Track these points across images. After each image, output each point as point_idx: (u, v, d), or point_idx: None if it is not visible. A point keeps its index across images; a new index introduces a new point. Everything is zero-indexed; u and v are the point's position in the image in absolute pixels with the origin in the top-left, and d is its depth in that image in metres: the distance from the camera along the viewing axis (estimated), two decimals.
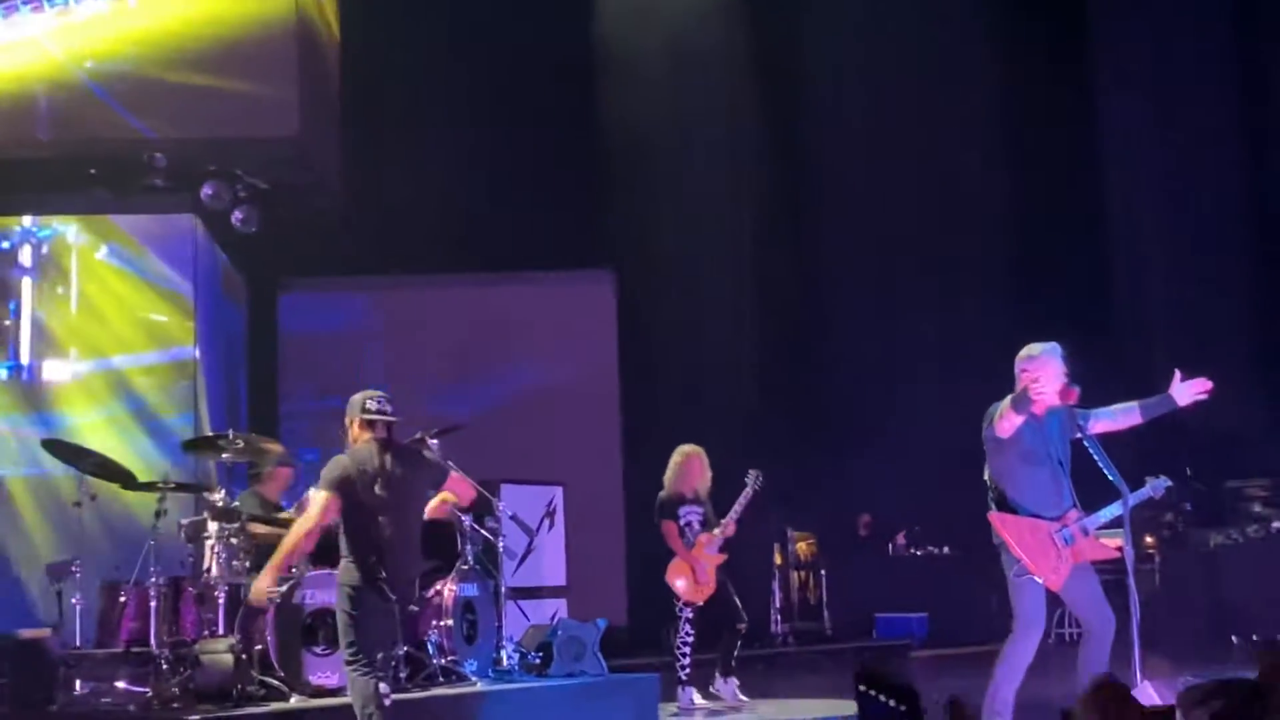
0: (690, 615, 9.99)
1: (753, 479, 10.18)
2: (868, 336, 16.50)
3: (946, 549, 16.39)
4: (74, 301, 13.03)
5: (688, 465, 10.23)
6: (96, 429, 12.45)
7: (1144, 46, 16.40)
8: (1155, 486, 7.42)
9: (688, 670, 10.04)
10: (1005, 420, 7.19)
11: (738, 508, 10.22)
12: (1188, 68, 16.17)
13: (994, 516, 7.32)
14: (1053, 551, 7.16)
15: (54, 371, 12.92)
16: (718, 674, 10.18)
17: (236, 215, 13.39)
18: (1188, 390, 7.42)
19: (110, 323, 12.88)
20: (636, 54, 15.53)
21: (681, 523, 10.13)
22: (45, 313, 13.00)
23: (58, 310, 13.03)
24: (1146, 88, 16.38)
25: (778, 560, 17.43)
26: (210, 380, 13.24)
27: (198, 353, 12.92)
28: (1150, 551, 14.23)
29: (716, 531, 10.09)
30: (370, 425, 7.07)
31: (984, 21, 15.80)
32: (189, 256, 13.10)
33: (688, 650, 10.02)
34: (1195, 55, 16.14)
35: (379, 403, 7.10)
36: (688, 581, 9.95)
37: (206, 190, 13.04)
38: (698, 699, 10.09)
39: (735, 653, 10.18)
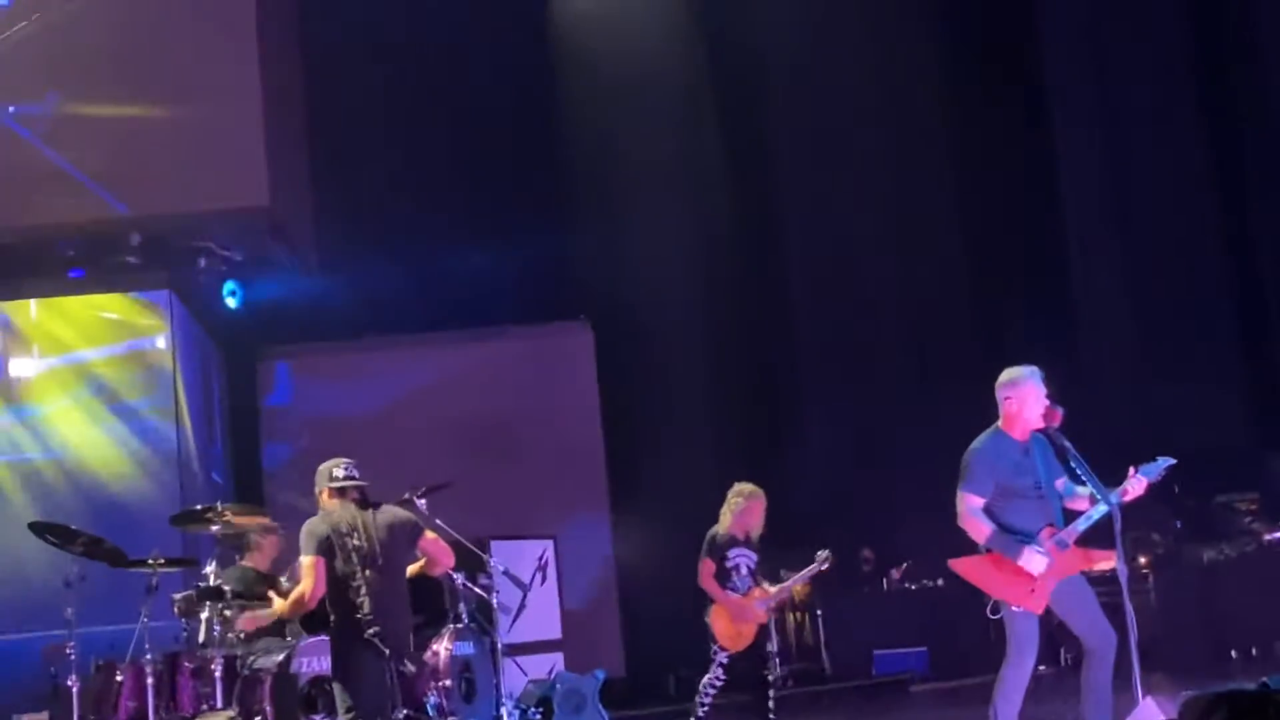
0: (725, 661, 9.69)
1: (820, 560, 9.93)
2: (844, 373, 16.53)
3: (941, 581, 16.35)
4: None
5: (749, 507, 9.87)
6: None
7: (1092, 62, 16.56)
8: (1150, 470, 7.34)
9: (706, 709, 9.81)
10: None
11: (802, 576, 10.07)
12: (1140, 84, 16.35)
13: (954, 564, 7.34)
14: (1025, 577, 7.16)
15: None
16: None
17: (230, 289, 13.49)
18: (1136, 487, 7.34)
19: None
20: (598, 102, 15.65)
21: (729, 564, 9.83)
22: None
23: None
24: (1098, 103, 16.54)
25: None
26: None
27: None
28: (1145, 571, 14.24)
29: (773, 590, 9.84)
30: (341, 493, 7.10)
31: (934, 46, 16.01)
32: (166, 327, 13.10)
33: (712, 694, 9.73)
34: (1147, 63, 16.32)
35: (346, 469, 7.16)
36: (728, 627, 9.67)
37: (201, 262, 13.11)
38: None
39: (770, 704, 9.84)
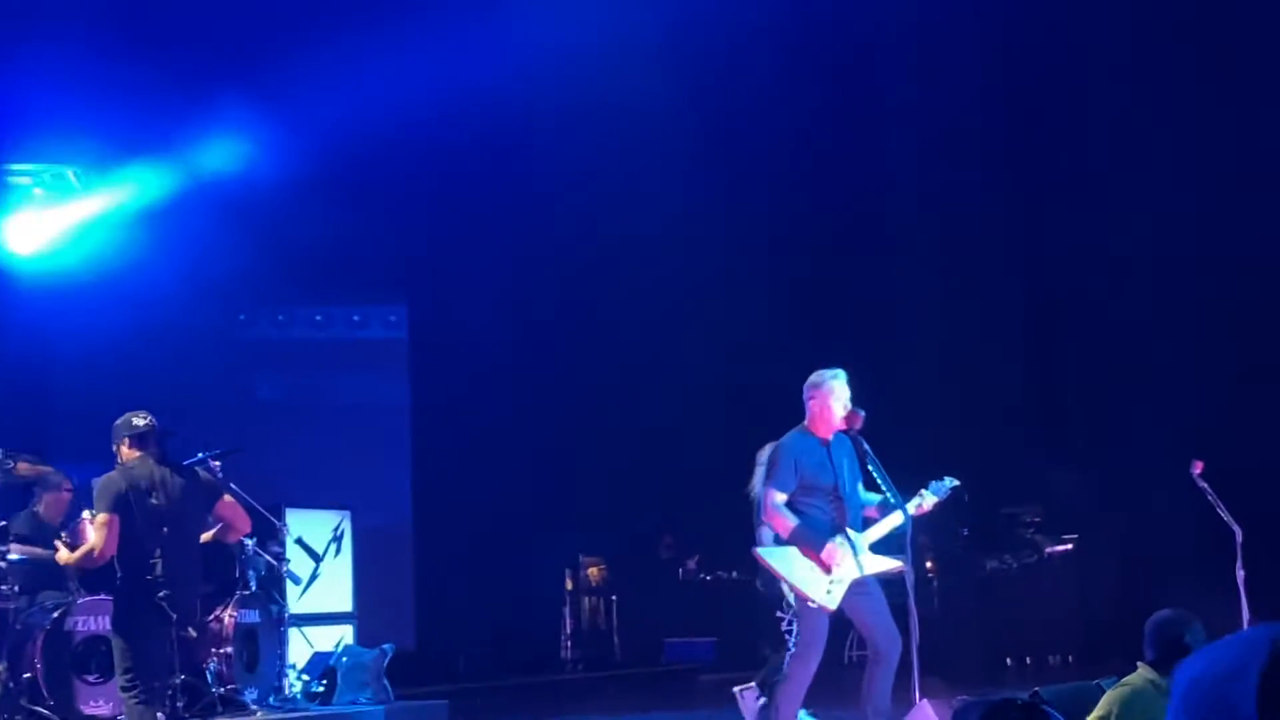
0: None
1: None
2: (660, 361, 16.58)
3: (735, 573, 16.57)
4: None
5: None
6: None
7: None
8: (938, 489, 7.60)
9: None
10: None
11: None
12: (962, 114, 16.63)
13: (758, 553, 7.48)
14: (824, 574, 7.30)
15: None
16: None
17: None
18: (926, 504, 7.56)
19: None
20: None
21: None
22: None
23: None
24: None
25: (569, 586, 17.44)
26: None
27: None
28: (930, 575, 14.64)
29: None
30: (141, 440, 6.87)
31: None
32: None
33: None
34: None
35: (148, 417, 6.93)
36: None
37: None
38: None
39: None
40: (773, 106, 16.07)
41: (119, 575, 6.78)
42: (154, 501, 6.74)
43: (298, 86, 12.83)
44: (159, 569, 6.68)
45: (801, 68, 15.96)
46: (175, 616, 6.73)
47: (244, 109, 12.87)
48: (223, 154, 12.89)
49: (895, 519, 7.47)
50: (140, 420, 6.92)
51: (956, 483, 7.67)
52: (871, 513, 7.59)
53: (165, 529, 6.73)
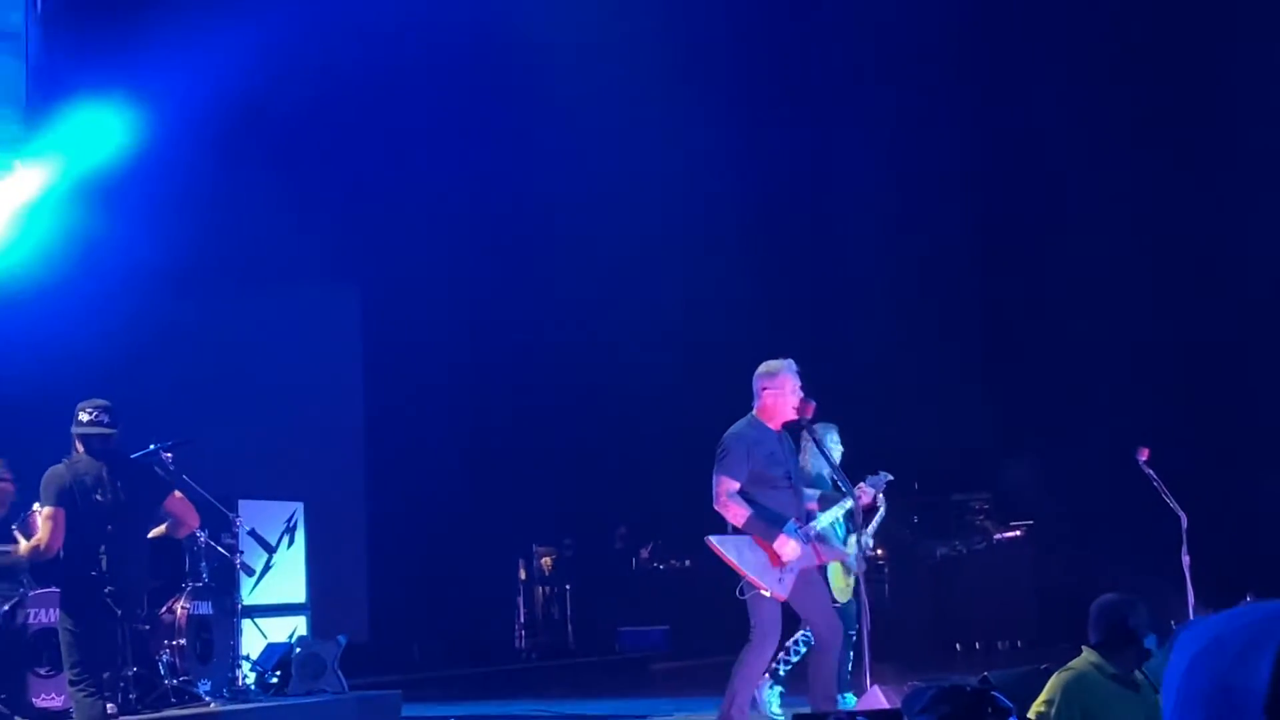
0: None
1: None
2: (614, 351, 16.61)
3: (688, 562, 16.66)
4: None
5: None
6: None
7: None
8: (875, 482, 7.70)
9: (789, 667, 8.92)
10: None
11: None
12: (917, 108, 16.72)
13: (711, 541, 7.50)
14: (776, 563, 7.35)
15: None
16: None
17: None
18: (864, 496, 7.66)
19: None
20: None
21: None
22: None
23: None
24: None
25: (522, 575, 17.46)
26: None
27: None
28: (880, 563, 14.76)
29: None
30: (87, 437, 6.86)
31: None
32: None
33: (802, 653, 8.82)
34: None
35: (95, 413, 6.89)
36: (842, 578, 8.83)
37: None
38: None
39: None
40: (729, 74, 16.10)
41: (65, 569, 6.78)
42: (99, 498, 6.73)
43: (248, 60, 12.78)
44: (104, 565, 6.68)
45: (755, 32, 16.02)
46: (120, 612, 6.73)
47: (186, 84, 12.78)
48: (150, 130, 12.74)
49: (841, 508, 7.54)
50: (86, 415, 6.90)
51: (890, 476, 7.76)
52: (811, 506, 7.66)
53: (110, 526, 6.72)
